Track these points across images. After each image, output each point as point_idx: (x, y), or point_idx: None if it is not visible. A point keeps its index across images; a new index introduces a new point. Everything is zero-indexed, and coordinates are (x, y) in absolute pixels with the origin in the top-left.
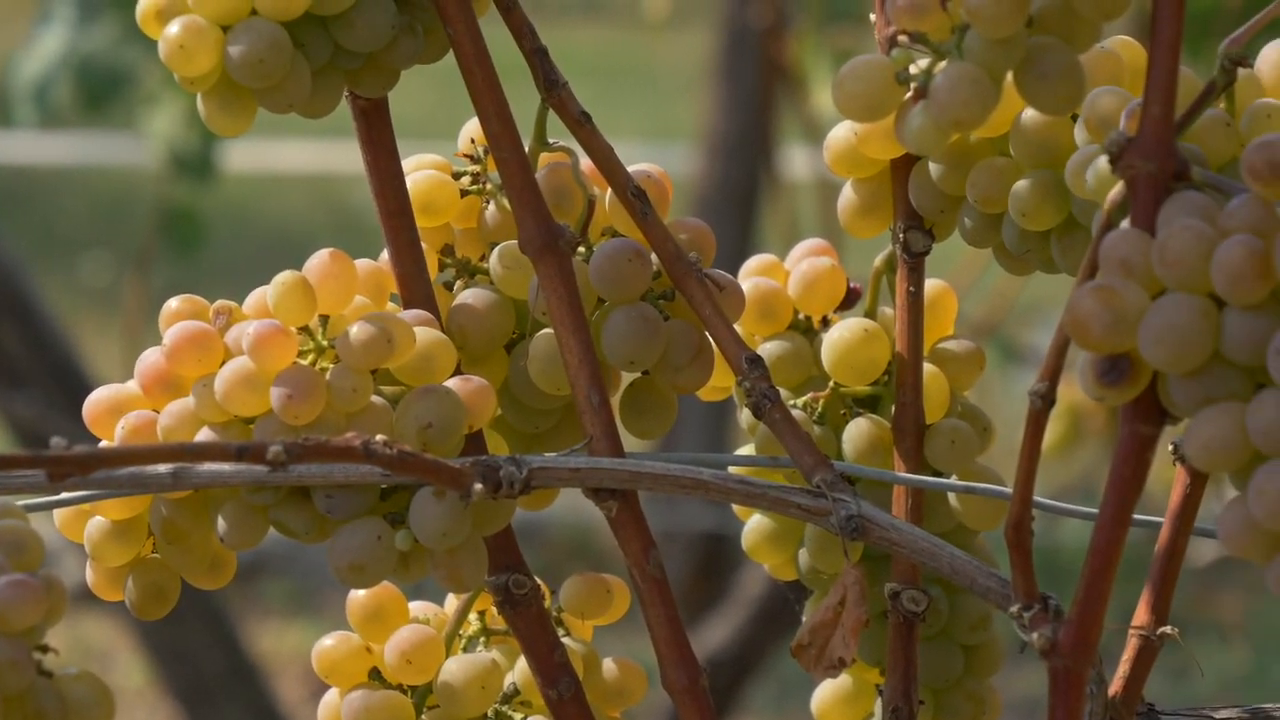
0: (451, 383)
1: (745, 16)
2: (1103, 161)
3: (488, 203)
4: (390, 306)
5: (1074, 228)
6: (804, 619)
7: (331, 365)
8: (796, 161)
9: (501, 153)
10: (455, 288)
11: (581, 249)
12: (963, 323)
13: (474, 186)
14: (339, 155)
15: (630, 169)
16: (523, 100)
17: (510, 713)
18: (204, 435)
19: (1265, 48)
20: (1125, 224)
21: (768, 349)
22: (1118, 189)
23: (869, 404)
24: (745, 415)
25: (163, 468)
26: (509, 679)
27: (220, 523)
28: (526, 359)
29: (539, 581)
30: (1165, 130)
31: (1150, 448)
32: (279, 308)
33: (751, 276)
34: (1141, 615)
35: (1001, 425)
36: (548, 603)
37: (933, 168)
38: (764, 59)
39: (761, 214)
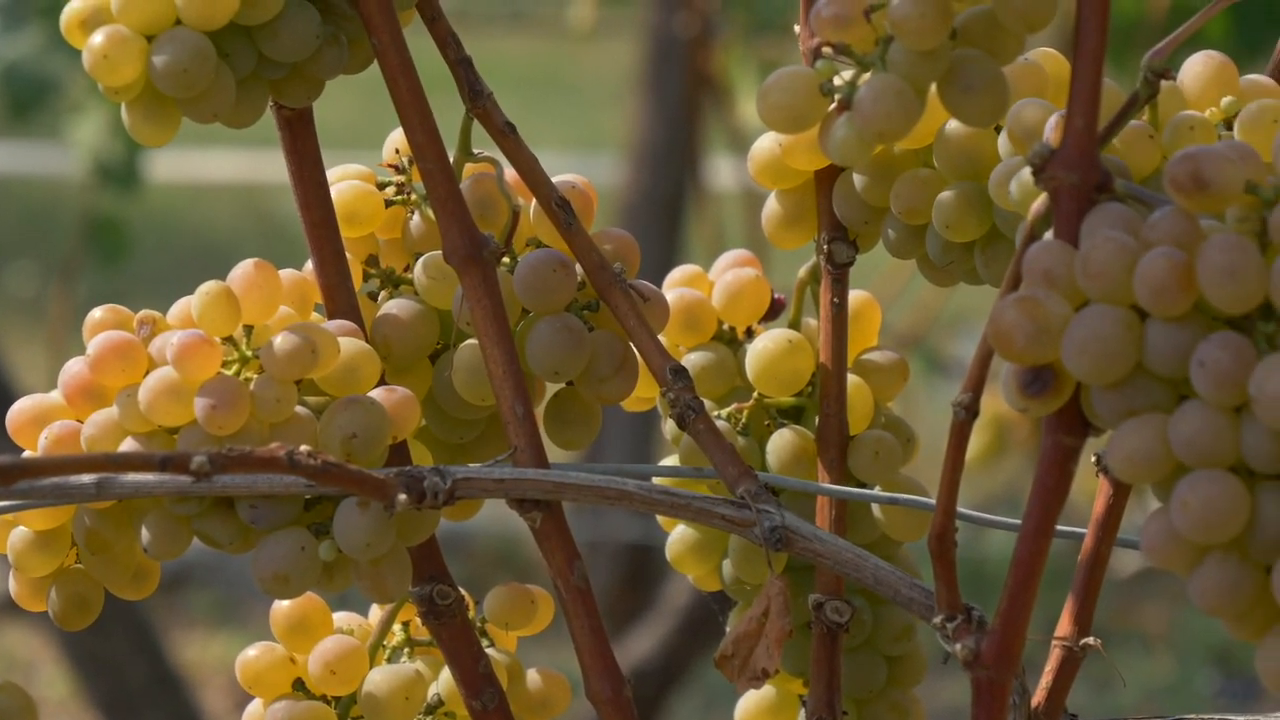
0: (376, 393)
1: (671, 26)
2: (1026, 173)
3: (412, 213)
4: (315, 317)
5: (997, 239)
6: (728, 630)
7: (255, 376)
8: (722, 172)
9: (426, 163)
10: (380, 298)
11: (506, 260)
12: (887, 334)
13: (399, 197)
14: (264, 165)
15: (555, 179)
16: (448, 111)
17: None
18: (128, 445)
19: (1188, 60)
20: (1048, 236)
21: (692, 360)
22: (1041, 201)
23: (793, 415)
24: (669, 426)
25: (86, 478)
26: (433, 690)
27: (144, 533)
28: (451, 370)
29: (463, 592)
30: (1088, 142)
31: (1073, 459)
32: (203, 318)
33: (676, 287)
34: (1064, 626)
35: (926, 436)
36: (472, 613)
37: (857, 179)
38: (690, 69)
39: (687, 224)
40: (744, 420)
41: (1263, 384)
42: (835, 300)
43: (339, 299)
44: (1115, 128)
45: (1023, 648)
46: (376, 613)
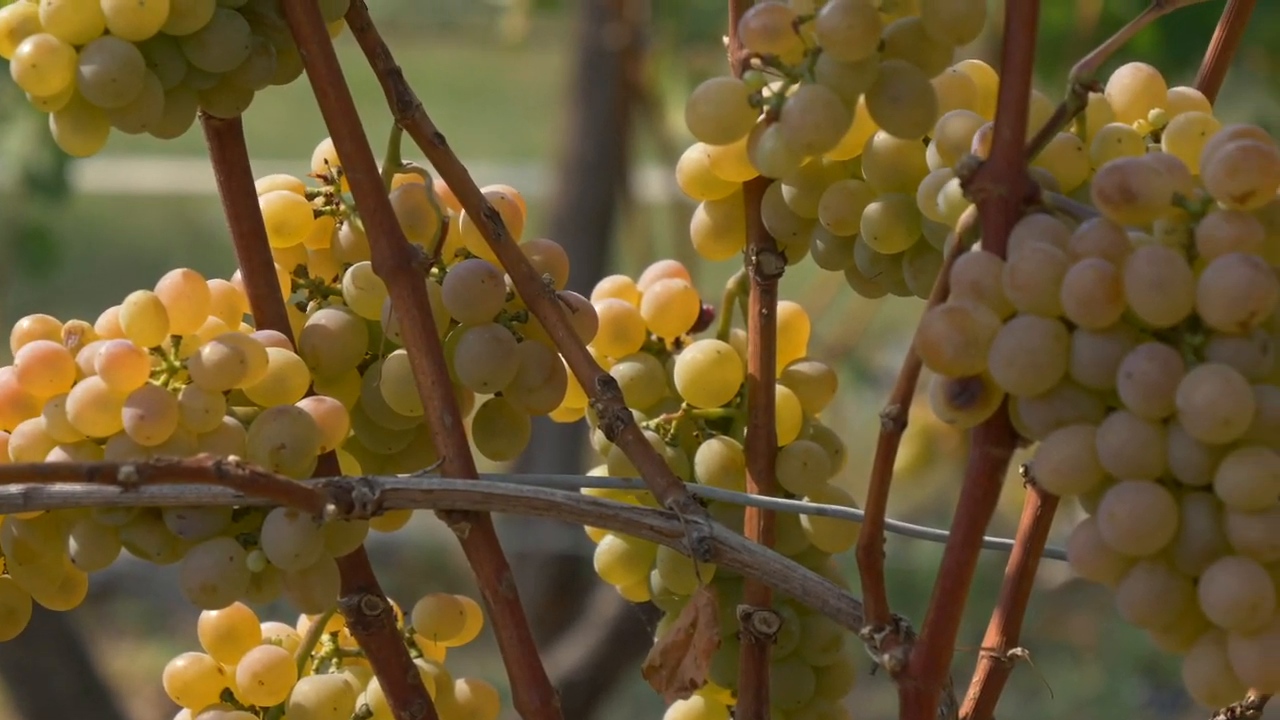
0: (304, 404)
1: (601, 37)
2: (954, 185)
3: (341, 223)
4: (243, 327)
5: (926, 251)
6: (656, 640)
7: (184, 386)
8: (652, 183)
9: (355, 174)
10: (308, 308)
11: (435, 270)
12: (816, 344)
13: (327, 207)
14: (193, 175)
15: (484, 190)
16: (377, 121)
17: None
18: (55, 455)
19: (1116, 72)
20: (976, 247)
21: (620, 370)
22: (969, 212)
23: (721, 426)
24: (598, 437)
25: (14, 488)
26: (361, 700)
27: (72, 543)
28: (379, 380)
29: (391, 603)
30: (1016, 154)
31: (1001, 470)
32: (131, 328)
33: (604, 298)
34: (992, 637)
35: (854, 447)
36: (400, 624)
37: (785, 190)
38: (620, 80)
39: (616, 235)
40: (672, 431)
41: (1190, 395)
42: (764, 311)
43: (267, 309)
44: (1043, 140)
45: (950, 658)
46: (305, 623)
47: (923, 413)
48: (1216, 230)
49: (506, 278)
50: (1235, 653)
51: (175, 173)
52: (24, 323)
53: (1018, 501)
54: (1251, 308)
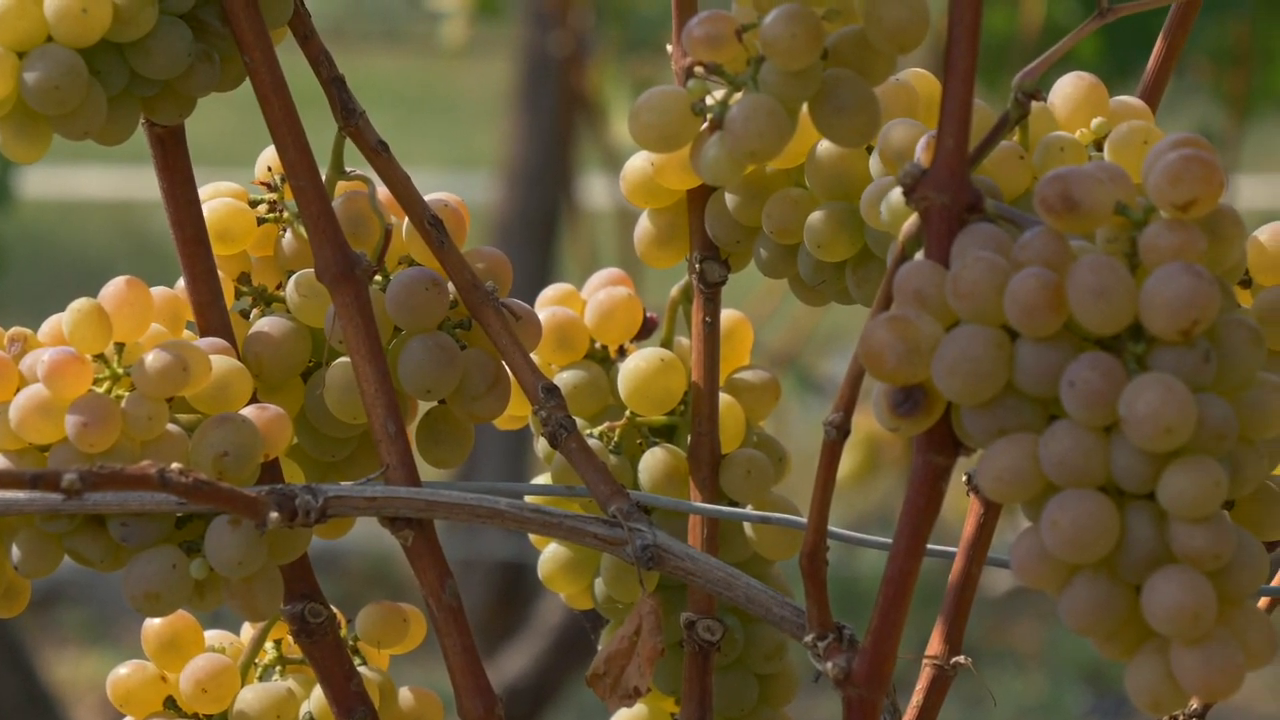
0: (248, 411)
1: (545, 45)
2: (897, 193)
3: (284, 231)
4: (187, 334)
5: (869, 259)
6: (600, 648)
7: (127, 393)
8: (596, 190)
9: (298, 181)
10: (251, 316)
11: (378, 278)
12: (760, 352)
13: (271, 215)
14: (137, 182)
15: (427, 198)
16: (320, 128)
17: None
18: None
19: (1059, 81)
20: (919, 256)
21: (564, 378)
22: (912, 221)
23: (665, 434)
24: (542, 444)
25: None
26: (304, 708)
27: (15, 550)
28: (323, 388)
29: (335, 610)
30: (959, 162)
31: (944, 478)
32: (74, 335)
33: (548, 306)
34: (935, 644)
35: (798, 455)
36: (344, 631)
37: (729, 198)
38: (564, 88)
39: (561, 243)
40: (616, 439)
41: (1132, 404)
42: (707, 319)
43: (211, 317)
44: (986, 148)
45: (894, 666)
46: (248, 631)
47: (866, 421)
48: (1159, 239)
49: (450, 285)
50: (1177, 661)
51: (119, 180)
52: None
53: (961, 509)
54: (1194, 316)
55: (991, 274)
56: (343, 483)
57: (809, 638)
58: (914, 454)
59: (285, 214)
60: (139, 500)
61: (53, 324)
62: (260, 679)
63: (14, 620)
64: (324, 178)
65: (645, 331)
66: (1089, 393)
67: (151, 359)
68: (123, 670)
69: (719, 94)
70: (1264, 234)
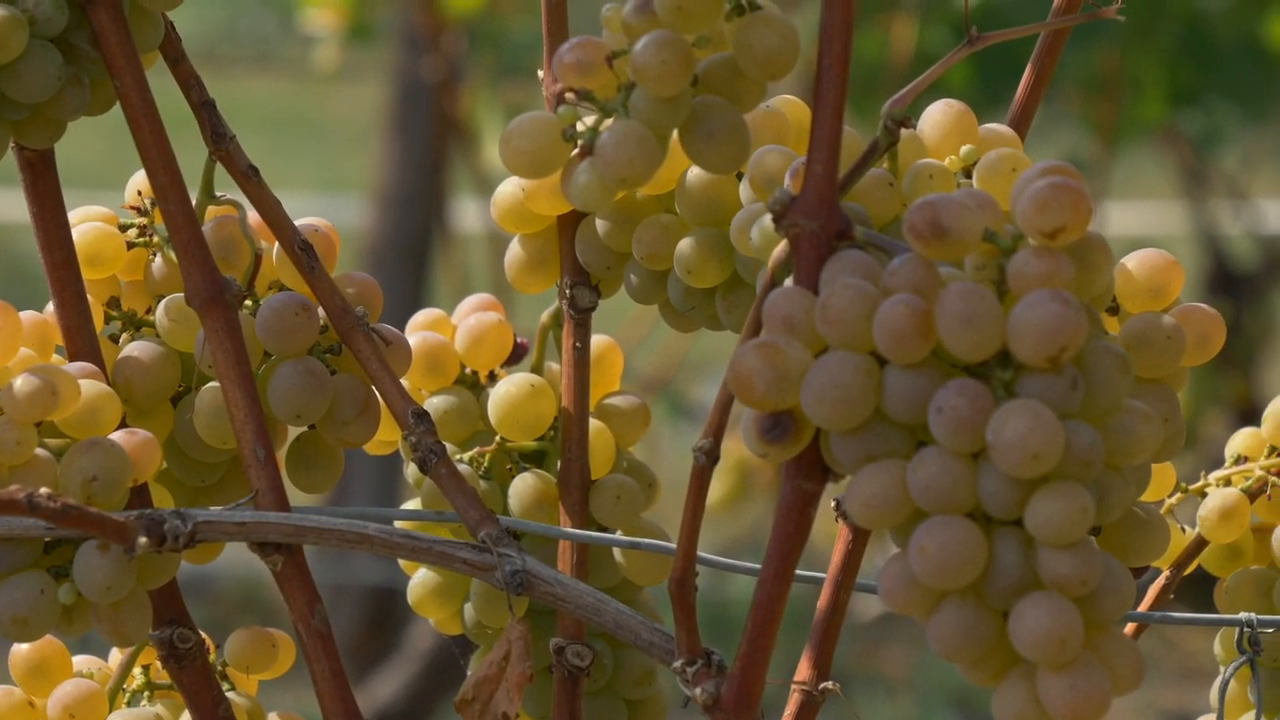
0: (116, 436)
1: (418, 70)
2: (767, 220)
3: (154, 255)
4: (55, 359)
5: (738, 285)
6: (469, 673)
7: None
8: (468, 215)
9: (168, 205)
10: (121, 340)
11: (248, 302)
12: (632, 378)
13: (141, 239)
14: (6, 205)
15: (298, 223)
16: (191, 152)
17: None
18: None
19: (928, 108)
20: (789, 282)
21: (434, 404)
22: (781, 247)
23: (535, 459)
24: (412, 470)
25: None
26: None
27: None
28: (192, 412)
29: (204, 635)
30: (828, 189)
31: (812, 504)
32: None
33: (419, 331)
34: (804, 670)
35: (669, 481)
36: (212, 657)
37: (599, 224)
38: (436, 112)
39: (433, 268)
40: (486, 464)
41: (1000, 430)
42: (577, 345)
43: (80, 341)
44: (855, 175)
45: (762, 691)
46: (117, 656)
47: (737, 446)
48: (1027, 266)
49: (320, 310)
50: (1044, 686)
51: None
52: None
53: (830, 535)
54: (1061, 343)
55: (860, 301)
56: (212, 508)
57: (678, 663)
58: (783, 480)
59: (155, 238)
60: (7, 525)
61: None
62: (128, 704)
63: None
64: (194, 202)
65: (516, 357)
66: (957, 419)
67: (20, 383)
68: None
69: (590, 120)
70: (1132, 261)
